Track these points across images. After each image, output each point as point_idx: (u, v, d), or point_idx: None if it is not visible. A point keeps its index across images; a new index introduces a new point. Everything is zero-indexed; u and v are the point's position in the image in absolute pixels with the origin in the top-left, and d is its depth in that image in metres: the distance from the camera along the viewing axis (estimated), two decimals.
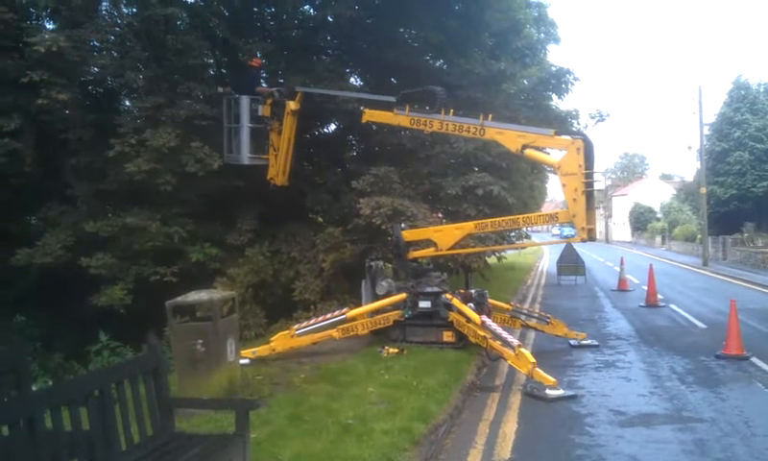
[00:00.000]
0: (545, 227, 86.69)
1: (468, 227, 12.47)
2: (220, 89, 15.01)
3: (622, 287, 24.70)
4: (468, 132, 11.96)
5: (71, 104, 14.24)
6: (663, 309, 18.79)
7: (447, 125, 12.03)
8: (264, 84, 15.26)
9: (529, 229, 28.74)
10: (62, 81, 13.49)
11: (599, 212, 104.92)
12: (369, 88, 18.85)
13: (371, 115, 13.34)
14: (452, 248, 12.58)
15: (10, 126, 13.77)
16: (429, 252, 12.79)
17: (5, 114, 13.88)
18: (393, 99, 12.78)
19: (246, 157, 14.45)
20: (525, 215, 12.94)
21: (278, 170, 14.47)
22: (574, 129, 22.21)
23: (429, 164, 16.75)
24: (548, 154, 12.05)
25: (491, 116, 11.91)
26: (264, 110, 14.18)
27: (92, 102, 16.11)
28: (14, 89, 13.89)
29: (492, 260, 22.05)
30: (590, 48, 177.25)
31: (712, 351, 12.21)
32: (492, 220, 12.55)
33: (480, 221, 12.78)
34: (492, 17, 17.60)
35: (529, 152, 11.32)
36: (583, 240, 11.21)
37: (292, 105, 13.89)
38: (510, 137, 11.47)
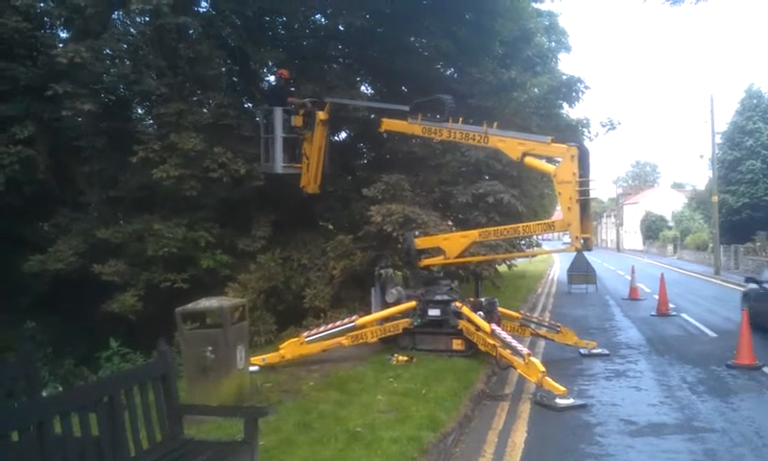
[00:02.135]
0: (557, 235, 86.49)
1: (473, 235, 12.66)
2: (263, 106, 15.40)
3: (633, 296, 24.55)
4: (474, 140, 12.16)
5: (84, 112, 14.39)
6: (675, 318, 18.68)
7: (455, 133, 12.24)
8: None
9: (540, 237, 28.73)
10: (85, 91, 13.63)
11: (611, 221, 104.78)
12: (379, 96, 18.92)
13: (388, 124, 13.62)
14: (460, 255, 12.65)
15: (23, 134, 13.92)
16: (439, 259, 12.83)
17: (18, 122, 14.03)
18: (406, 108, 13.03)
19: (280, 166, 14.79)
20: (525, 224, 13.14)
21: (310, 178, 14.73)
22: (585, 137, 22.25)
23: (440, 172, 16.77)
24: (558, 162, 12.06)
25: (495, 124, 12.01)
26: (296, 121, 14.54)
27: (105, 110, 16.23)
28: (28, 97, 14.04)
29: (502, 268, 22.02)
30: (601, 56, 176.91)
31: (723, 360, 12.13)
32: (495, 228, 12.81)
33: (484, 230, 12.98)
34: (503, 26, 17.62)
35: (528, 160, 11.38)
36: (577, 249, 11.23)
37: (321, 115, 14.20)
38: (510, 145, 11.56)
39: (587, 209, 10.91)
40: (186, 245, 14.39)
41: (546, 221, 13.63)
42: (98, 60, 13.85)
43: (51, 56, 13.46)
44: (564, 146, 11.00)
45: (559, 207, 11.65)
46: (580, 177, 10.63)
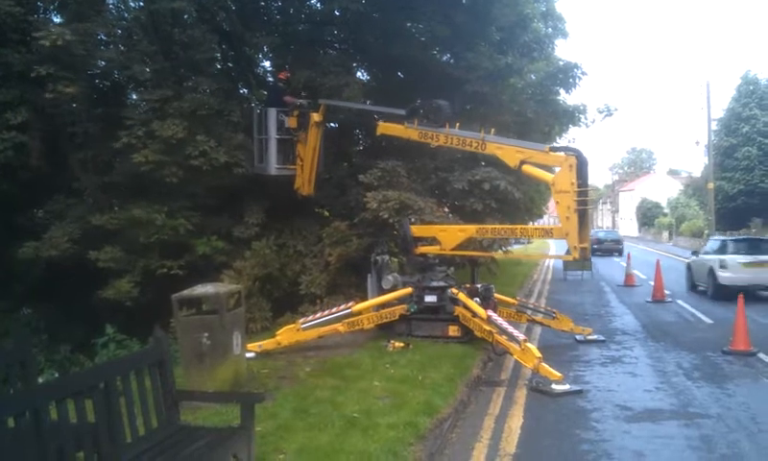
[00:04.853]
0: (553, 221, 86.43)
1: (471, 230, 12.79)
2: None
3: (629, 282, 24.62)
4: (471, 146, 12.22)
5: (78, 97, 14.27)
6: (670, 305, 18.72)
7: (452, 139, 12.34)
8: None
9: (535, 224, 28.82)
10: (69, 74, 13.51)
11: (606, 208, 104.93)
12: (375, 82, 18.85)
13: (384, 128, 13.61)
14: (456, 249, 12.71)
15: (17, 119, 13.84)
16: (435, 249, 12.84)
17: (12, 108, 13.95)
18: (402, 112, 13.10)
19: (273, 167, 14.91)
20: (522, 226, 13.48)
21: (304, 180, 14.73)
22: (582, 124, 22.23)
23: (436, 159, 16.73)
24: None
25: (492, 130, 12.12)
26: (291, 122, 14.58)
27: (99, 95, 16.15)
28: (22, 83, 13.95)
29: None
30: (598, 42, 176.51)
31: (719, 346, 12.15)
32: (493, 227, 13.13)
33: (481, 227, 13.13)
34: (500, 11, 17.53)
35: (526, 168, 11.45)
36: (575, 259, 11.26)
37: (316, 116, 14.19)
38: (508, 153, 11.65)
39: (584, 219, 10.95)
40: (174, 232, 14.34)
41: (544, 227, 13.77)
42: (83, 43, 13.67)
43: (35, 38, 13.30)
44: (561, 155, 11.05)
45: None
46: (578, 186, 10.66)
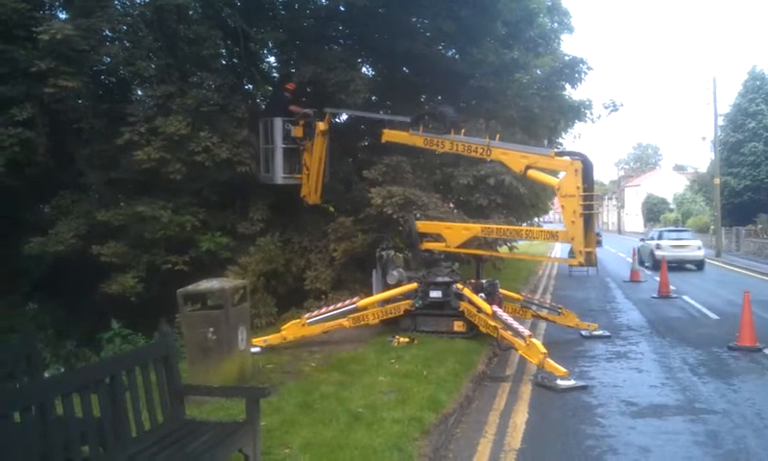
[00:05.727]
0: (559, 217, 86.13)
1: (476, 229, 12.78)
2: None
3: (634, 278, 24.60)
4: (476, 152, 12.28)
5: (84, 93, 14.27)
6: (676, 300, 18.70)
7: (457, 145, 12.40)
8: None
9: (541, 220, 28.82)
10: (70, 69, 13.48)
11: (612, 203, 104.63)
12: (381, 78, 18.81)
13: (389, 136, 13.66)
14: (461, 246, 12.73)
15: (23, 115, 13.81)
16: (440, 246, 12.88)
17: (18, 104, 13.92)
18: (407, 119, 13.15)
19: (280, 177, 14.92)
20: (528, 228, 13.61)
21: (310, 189, 14.77)
22: (588, 119, 22.20)
23: (441, 154, 16.68)
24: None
25: (498, 136, 12.19)
26: (297, 131, 14.56)
27: (105, 91, 16.15)
28: (27, 79, 13.93)
29: (502, 250, 21.98)
30: (604, 37, 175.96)
31: (725, 342, 12.13)
32: (498, 227, 13.14)
33: (486, 226, 13.09)
34: (506, 6, 17.46)
35: (531, 172, 11.47)
36: (580, 264, 11.20)
37: (321, 125, 14.19)
38: (513, 158, 11.68)
39: (590, 223, 10.92)
40: (181, 228, 14.35)
41: (550, 230, 13.72)
42: (85, 38, 13.63)
43: (36, 33, 13.27)
44: (567, 160, 11.05)
45: None
46: (584, 191, 10.65)
